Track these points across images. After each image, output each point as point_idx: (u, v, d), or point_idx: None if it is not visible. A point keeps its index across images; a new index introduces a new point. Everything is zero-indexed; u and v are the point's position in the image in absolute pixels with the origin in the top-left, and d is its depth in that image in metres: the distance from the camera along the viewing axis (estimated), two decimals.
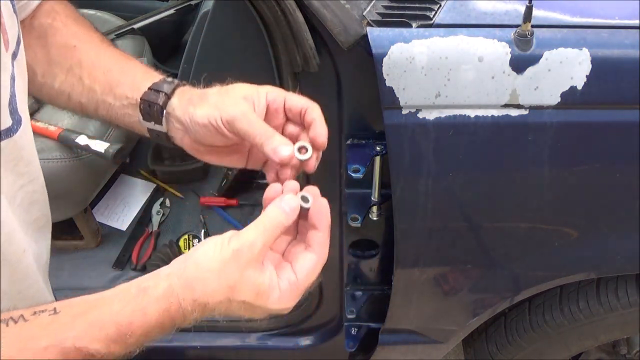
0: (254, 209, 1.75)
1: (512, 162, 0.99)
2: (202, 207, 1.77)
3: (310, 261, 0.61)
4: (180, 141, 0.71)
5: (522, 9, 0.86)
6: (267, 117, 0.68)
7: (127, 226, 1.73)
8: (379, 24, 0.92)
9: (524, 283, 1.20)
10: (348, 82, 0.99)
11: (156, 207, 1.78)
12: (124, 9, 2.05)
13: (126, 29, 1.81)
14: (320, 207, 0.63)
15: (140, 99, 0.70)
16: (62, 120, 1.50)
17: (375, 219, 1.13)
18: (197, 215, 1.75)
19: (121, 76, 0.73)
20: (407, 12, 0.93)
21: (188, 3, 1.99)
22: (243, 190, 1.78)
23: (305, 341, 1.42)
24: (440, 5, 0.95)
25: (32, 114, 1.54)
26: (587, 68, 0.89)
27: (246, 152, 0.72)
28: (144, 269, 1.58)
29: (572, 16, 0.95)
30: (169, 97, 0.69)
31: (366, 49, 0.91)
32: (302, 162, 0.64)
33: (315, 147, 0.65)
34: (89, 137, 1.44)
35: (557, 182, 1.01)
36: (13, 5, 0.60)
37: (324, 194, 0.64)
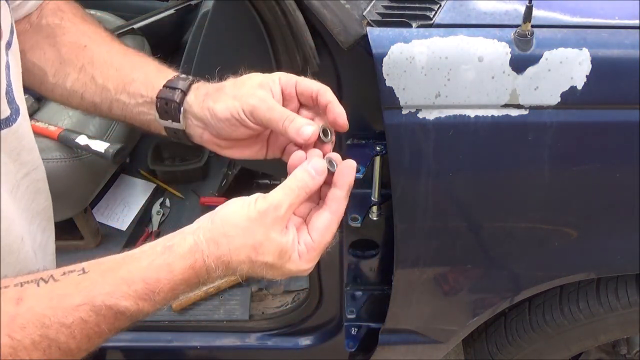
0: None
1: (512, 162, 0.99)
2: (202, 207, 1.77)
3: (324, 220, 0.62)
4: (200, 138, 0.71)
5: (522, 9, 0.86)
6: (283, 103, 0.68)
7: (127, 226, 1.73)
8: (379, 24, 0.92)
9: (524, 283, 1.20)
10: (348, 82, 0.99)
11: (156, 207, 1.78)
12: (124, 9, 2.05)
13: (126, 29, 1.81)
14: (344, 168, 0.64)
15: (157, 97, 0.70)
16: (62, 120, 1.50)
17: (375, 219, 1.13)
18: (197, 215, 1.71)
19: (133, 73, 0.72)
20: (407, 12, 0.93)
21: (188, 3, 2.00)
22: (243, 190, 1.78)
23: (305, 341, 1.42)
24: (440, 5, 0.95)
25: (32, 114, 1.54)
26: (587, 68, 0.89)
27: (265, 142, 0.72)
28: None
29: (572, 16, 0.95)
30: (185, 93, 0.69)
31: (366, 49, 0.91)
32: (323, 144, 0.65)
33: (337, 127, 0.66)
34: (89, 137, 1.44)
35: (557, 182, 1.01)
36: None
37: None
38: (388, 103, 0.93)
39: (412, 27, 0.91)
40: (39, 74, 0.74)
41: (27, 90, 0.77)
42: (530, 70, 0.89)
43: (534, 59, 0.89)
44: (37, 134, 1.47)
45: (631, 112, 0.93)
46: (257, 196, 0.60)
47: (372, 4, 0.96)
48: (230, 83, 0.69)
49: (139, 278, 0.56)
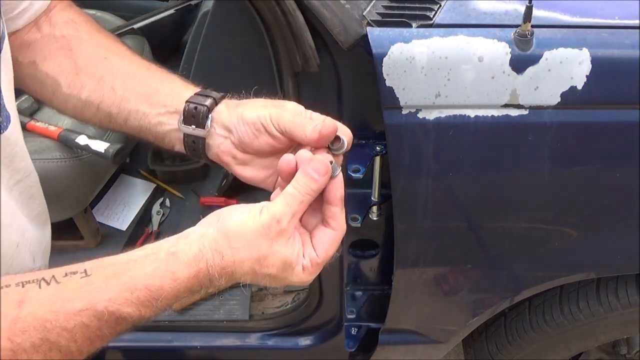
0: None
1: (512, 162, 0.99)
2: (202, 207, 1.77)
3: (328, 236, 0.62)
4: (218, 148, 0.70)
5: (522, 9, 0.86)
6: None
7: (127, 226, 1.73)
8: (379, 24, 0.92)
9: (524, 283, 1.20)
10: (348, 82, 0.99)
11: (156, 207, 1.78)
12: (124, 9, 2.05)
13: (126, 29, 1.81)
14: (334, 184, 0.63)
15: (187, 101, 0.69)
16: (62, 120, 1.50)
17: (375, 219, 1.13)
18: (197, 215, 1.73)
19: (158, 85, 0.72)
20: (407, 12, 0.93)
21: (188, 3, 2.00)
22: (243, 190, 1.78)
23: (305, 341, 1.42)
24: (440, 5, 0.95)
25: (32, 113, 1.54)
26: (587, 68, 0.89)
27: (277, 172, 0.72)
28: None
29: (572, 16, 0.95)
30: (216, 102, 0.70)
31: (366, 49, 0.91)
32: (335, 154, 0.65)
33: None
34: (89, 137, 1.44)
35: (557, 182, 1.01)
36: None
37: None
38: (388, 103, 0.93)
39: (412, 27, 0.91)
40: (52, 85, 0.73)
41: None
42: (530, 70, 0.89)
43: (534, 59, 0.89)
44: (37, 133, 1.47)
45: (631, 112, 0.93)
46: (262, 206, 0.59)
47: (372, 4, 0.96)
48: (262, 98, 0.70)
49: (142, 285, 0.56)
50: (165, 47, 2.09)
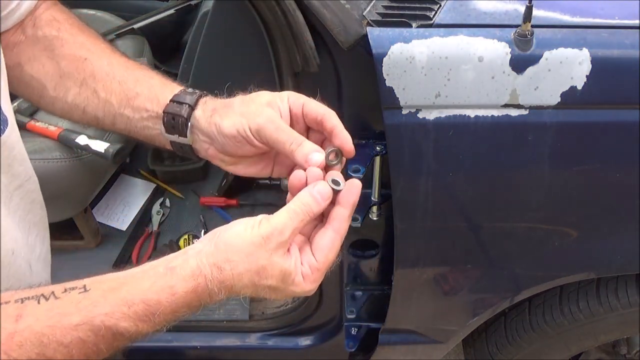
0: (254, 209, 1.75)
1: (512, 162, 0.99)
2: (202, 207, 1.77)
3: (328, 239, 0.61)
4: (205, 152, 0.70)
5: (522, 9, 0.86)
6: (290, 123, 0.67)
7: (127, 226, 1.73)
8: (379, 24, 0.92)
9: (524, 283, 1.19)
10: (348, 82, 0.99)
11: (156, 207, 1.78)
12: (124, 9, 2.05)
13: (126, 29, 1.81)
14: (351, 187, 0.63)
15: (164, 112, 0.68)
16: (62, 120, 1.49)
17: (375, 219, 1.13)
18: (197, 215, 1.75)
19: (137, 87, 0.71)
20: (407, 12, 0.93)
21: (188, 3, 1.99)
22: (243, 190, 1.78)
23: (305, 341, 1.42)
24: (440, 5, 0.95)
25: (32, 113, 1.54)
26: (587, 68, 0.89)
27: (272, 160, 0.71)
28: None
29: (572, 16, 0.95)
30: (192, 108, 0.68)
31: (366, 49, 0.91)
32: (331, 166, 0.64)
33: (344, 154, 0.65)
34: (89, 137, 1.44)
35: (557, 182, 1.01)
36: None
37: None
38: (388, 103, 0.93)
39: (412, 27, 0.91)
40: (38, 87, 0.73)
41: None
42: (530, 70, 0.89)
43: (534, 59, 0.89)
44: (37, 134, 1.47)
45: (631, 112, 0.93)
46: (261, 218, 0.59)
47: (372, 4, 0.96)
48: (239, 100, 0.68)
49: (139, 299, 0.55)
50: (165, 47, 2.09)
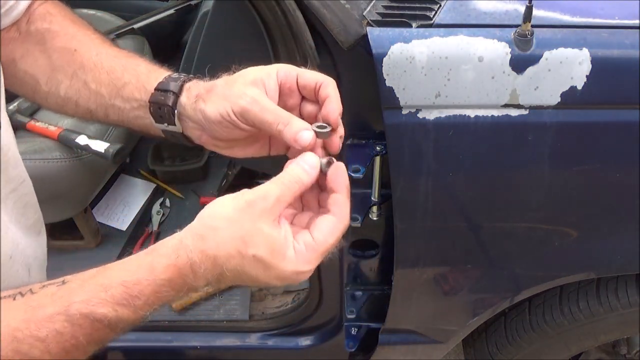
0: None
1: (512, 162, 0.99)
2: (202, 207, 1.76)
3: (328, 222, 0.58)
4: (199, 139, 0.68)
5: (522, 9, 0.86)
6: (282, 97, 0.64)
7: (127, 226, 1.73)
8: (379, 24, 0.92)
9: (524, 283, 1.19)
10: (348, 82, 0.99)
11: (156, 207, 1.78)
12: (124, 9, 2.05)
13: (126, 29, 1.82)
14: (337, 170, 0.60)
15: (149, 101, 0.66)
16: (62, 120, 1.50)
17: (375, 219, 1.13)
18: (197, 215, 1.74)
19: (125, 76, 0.69)
20: (407, 12, 0.93)
21: (188, 3, 2.00)
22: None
23: (305, 341, 1.42)
24: (440, 5, 0.95)
25: (32, 113, 1.54)
26: (587, 68, 0.89)
27: (267, 139, 0.69)
28: None
29: (572, 16, 0.95)
30: (177, 95, 0.66)
31: (366, 49, 0.91)
32: (325, 142, 0.62)
33: (331, 125, 0.61)
34: (89, 137, 1.44)
35: (557, 182, 1.01)
36: None
37: None
38: (388, 103, 0.93)
39: (412, 27, 0.91)
40: (31, 82, 0.72)
41: None
42: (530, 70, 0.89)
43: (534, 59, 0.89)
44: (37, 134, 1.48)
45: (631, 112, 0.93)
46: (246, 189, 0.57)
47: (372, 4, 0.96)
48: (222, 81, 0.64)
49: (117, 282, 0.52)
50: (165, 47, 2.09)
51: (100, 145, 1.42)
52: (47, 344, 0.50)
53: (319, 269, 1.29)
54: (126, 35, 1.81)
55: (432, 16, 0.92)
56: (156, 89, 0.67)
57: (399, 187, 1.02)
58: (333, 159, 0.61)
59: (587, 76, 0.89)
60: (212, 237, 0.54)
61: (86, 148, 1.43)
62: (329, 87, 0.62)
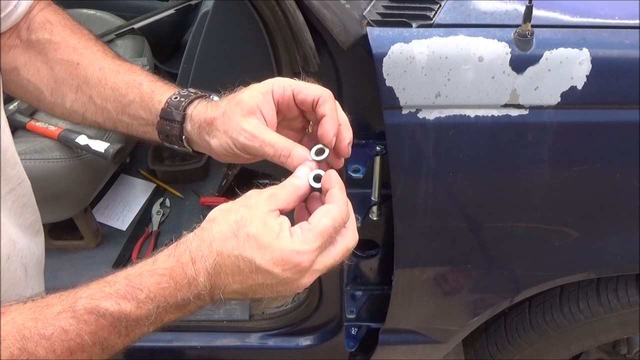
0: None
1: (512, 162, 0.99)
2: (202, 207, 1.77)
3: (322, 207, 0.57)
4: (210, 154, 0.69)
5: (522, 9, 0.86)
6: (281, 113, 0.64)
7: (127, 226, 1.73)
8: (379, 24, 0.92)
9: (524, 283, 1.19)
10: (348, 82, 0.99)
11: (156, 207, 1.78)
12: (124, 9, 2.05)
13: (126, 29, 1.82)
14: (328, 176, 0.60)
15: (157, 129, 0.69)
16: (62, 120, 1.49)
17: (375, 219, 1.13)
18: (197, 215, 1.74)
19: (129, 94, 0.70)
20: (407, 12, 0.93)
21: (188, 3, 2.00)
22: (243, 190, 1.77)
23: (305, 341, 1.42)
24: (440, 5, 0.95)
25: (32, 113, 1.54)
26: (587, 68, 0.89)
27: None
28: None
29: (572, 16, 0.95)
30: (181, 124, 0.67)
31: (366, 49, 0.91)
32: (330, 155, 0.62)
33: (327, 145, 0.61)
34: (89, 137, 1.44)
35: (557, 182, 1.01)
36: None
37: None
38: (388, 103, 0.93)
39: (412, 27, 0.91)
40: (35, 92, 0.73)
41: None
42: (530, 70, 0.89)
43: (534, 59, 0.89)
44: (37, 133, 1.47)
45: (631, 112, 0.93)
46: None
47: (372, 4, 0.96)
48: (220, 113, 0.64)
49: (121, 277, 0.54)
50: (165, 47, 2.09)
51: (100, 145, 1.42)
52: (52, 342, 0.50)
53: None
54: (126, 35, 1.81)
55: (432, 16, 0.92)
56: (161, 117, 0.68)
57: (399, 187, 1.02)
58: (322, 172, 0.61)
59: (587, 76, 0.89)
60: (209, 227, 0.56)
61: (86, 148, 1.43)
62: (325, 105, 0.61)
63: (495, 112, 0.93)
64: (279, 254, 0.54)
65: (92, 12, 1.87)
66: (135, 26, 1.84)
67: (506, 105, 0.93)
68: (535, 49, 0.89)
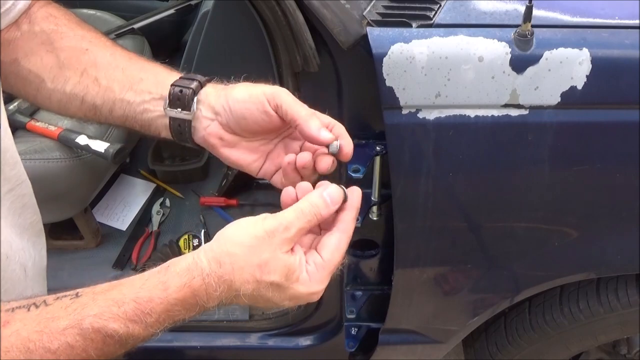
0: (254, 209, 1.75)
1: (512, 162, 0.99)
2: (202, 207, 1.77)
3: (334, 239, 0.60)
4: (204, 130, 0.69)
5: (522, 9, 0.86)
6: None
7: (127, 226, 1.73)
8: (379, 24, 0.92)
9: (524, 283, 1.20)
10: (348, 82, 0.99)
11: (156, 207, 1.78)
12: (124, 9, 2.05)
13: (126, 29, 1.81)
14: (353, 192, 0.63)
15: (172, 85, 0.68)
16: (62, 120, 1.49)
17: (375, 219, 1.12)
18: (197, 215, 1.74)
19: (142, 73, 0.71)
20: (407, 12, 0.93)
21: (188, 3, 2.00)
22: (243, 190, 1.78)
23: (305, 341, 1.42)
24: (440, 5, 0.95)
25: (32, 113, 1.54)
26: (587, 68, 0.89)
27: (264, 155, 0.71)
28: (144, 269, 1.58)
29: (572, 16, 0.95)
30: (202, 85, 0.69)
31: (366, 49, 0.91)
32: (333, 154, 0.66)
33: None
34: (89, 137, 1.44)
35: (557, 182, 1.01)
36: None
37: None
38: (388, 103, 0.93)
39: (412, 27, 0.91)
40: (35, 81, 0.73)
41: None
42: (530, 70, 0.89)
43: (534, 59, 0.89)
44: (37, 134, 1.47)
45: (631, 112, 0.93)
46: (266, 215, 0.58)
47: (372, 4, 0.96)
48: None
49: (130, 298, 0.53)
50: (165, 47, 2.09)
51: (100, 145, 1.42)
52: (58, 356, 0.50)
53: None
54: (126, 35, 1.80)
55: (432, 16, 0.92)
56: (182, 77, 0.70)
57: (399, 187, 1.02)
58: (346, 191, 0.63)
59: (587, 76, 0.89)
60: (229, 263, 0.55)
61: (86, 148, 1.43)
62: (304, 130, 0.65)
63: (495, 112, 0.93)
64: (296, 295, 0.58)
65: (92, 12, 1.87)
66: (135, 26, 1.84)
67: (506, 105, 0.93)
68: (535, 49, 0.89)
